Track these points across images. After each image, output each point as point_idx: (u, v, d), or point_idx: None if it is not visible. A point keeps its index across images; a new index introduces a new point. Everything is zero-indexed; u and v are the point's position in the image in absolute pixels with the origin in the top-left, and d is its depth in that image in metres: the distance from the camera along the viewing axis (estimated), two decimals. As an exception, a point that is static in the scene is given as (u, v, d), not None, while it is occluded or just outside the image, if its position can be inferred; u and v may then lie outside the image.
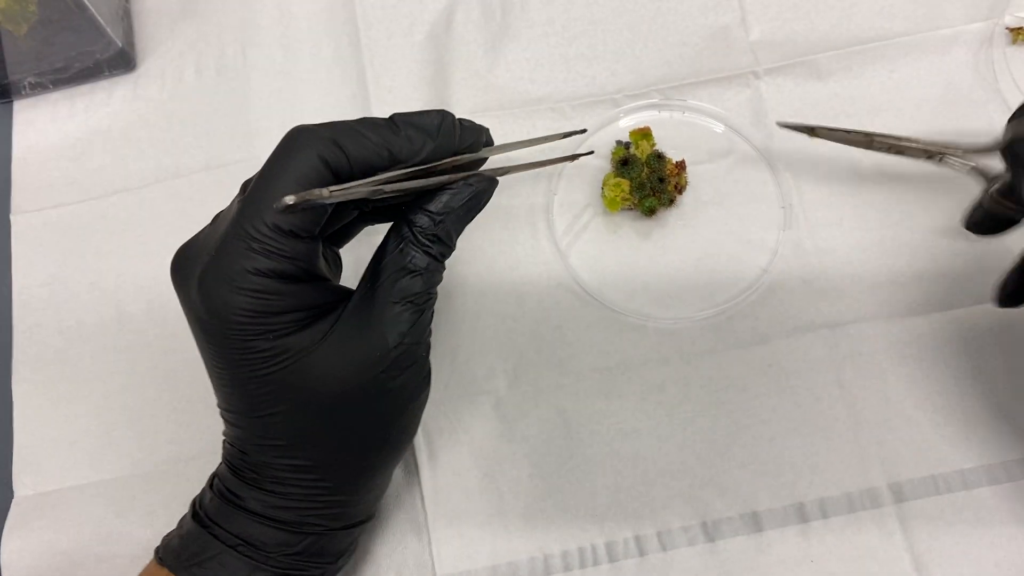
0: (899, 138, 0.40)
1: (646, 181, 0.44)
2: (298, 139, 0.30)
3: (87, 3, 0.45)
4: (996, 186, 0.37)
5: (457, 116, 0.47)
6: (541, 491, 0.41)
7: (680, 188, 0.45)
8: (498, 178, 0.34)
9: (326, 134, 0.30)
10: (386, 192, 0.30)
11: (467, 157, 0.33)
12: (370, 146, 0.30)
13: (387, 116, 0.32)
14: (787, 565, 0.39)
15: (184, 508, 0.41)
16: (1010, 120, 0.36)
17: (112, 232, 0.47)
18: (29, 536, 0.42)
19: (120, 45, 0.49)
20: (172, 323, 0.45)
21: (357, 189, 0.29)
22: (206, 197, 0.47)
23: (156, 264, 0.46)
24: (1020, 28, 0.45)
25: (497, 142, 0.36)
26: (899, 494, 0.40)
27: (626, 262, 0.44)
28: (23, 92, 0.50)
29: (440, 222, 0.32)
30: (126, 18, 0.51)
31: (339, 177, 0.30)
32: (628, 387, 0.42)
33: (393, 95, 0.49)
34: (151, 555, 0.41)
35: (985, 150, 0.39)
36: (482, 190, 0.33)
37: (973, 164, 0.39)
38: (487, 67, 0.49)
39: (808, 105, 0.46)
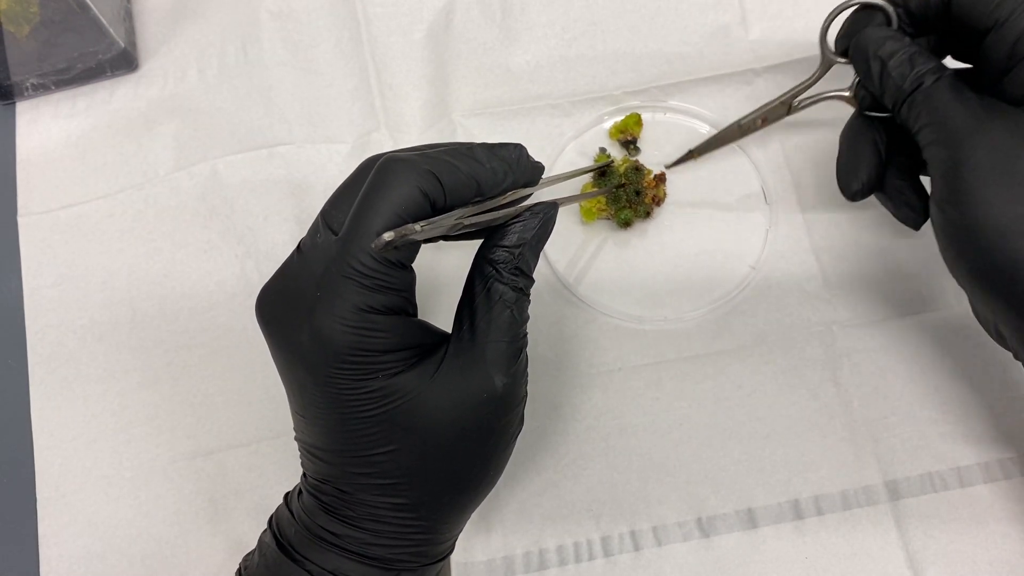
0: (759, 109, 0.44)
1: (622, 193, 0.44)
2: (395, 170, 0.29)
3: (89, 4, 0.45)
4: (857, 86, 0.40)
5: (457, 115, 0.48)
6: (537, 486, 0.41)
7: (658, 200, 0.45)
8: (557, 202, 0.35)
9: (424, 165, 0.29)
10: (464, 225, 0.30)
11: (521, 192, 0.34)
12: (462, 178, 0.30)
13: (467, 143, 0.32)
14: (782, 562, 0.39)
15: (205, 505, 0.43)
16: (840, 35, 0.39)
17: (120, 230, 0.48)
18: (66, 544, 0.43)
19: (123, 45, 0.49)
20: (184, 319, 0.46)
21: (442, 223, 0.29)
22: (209, 193, 0.48)
23: (165, 260, 0.47)
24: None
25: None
26: (895, 491, 0.40)
27: (616, 263, 0.45)
28: (25, 93, 0.50)
29: (519, 254, 0.32)
30: (128, 18, 0.51)
31: (434, 209, 0.30)
32: (624, 384, 0.42)
33: (395, 92, 0.49)
34: (178, 555, 0.42)
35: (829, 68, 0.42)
36: (549, 217, 0.33)
37: (833, 93, 0.42)
38: (487, 67, 0.49)
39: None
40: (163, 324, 0.46)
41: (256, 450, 0.43)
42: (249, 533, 0.41)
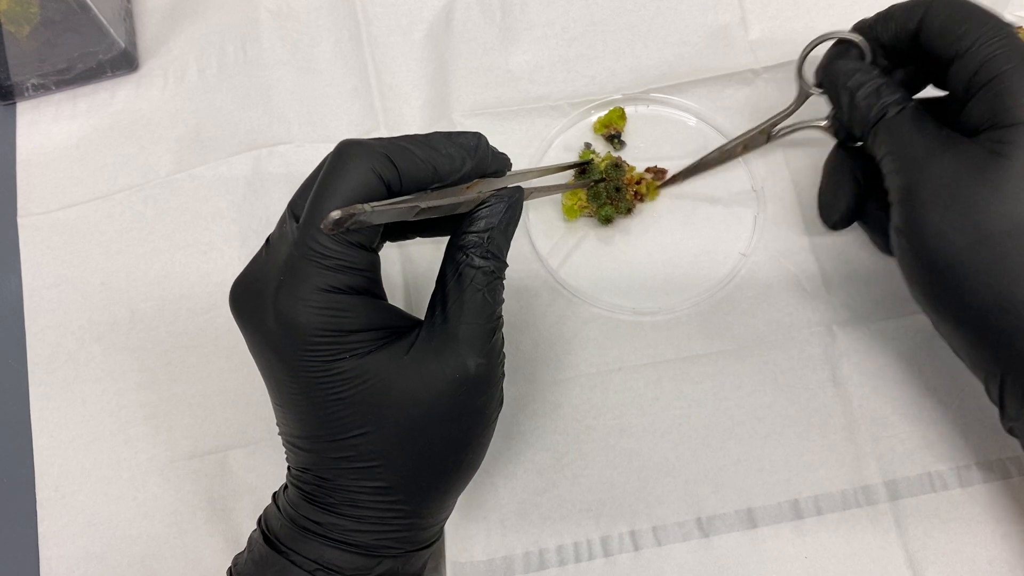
0: (739, 137, 0.44)
1: (602, 191, 0.44)
2: (352, 152, 0.30)
3: (89, 3, 0.45)
4: (832, 118, 0.41)
5: (457, 115, 0.48)
6: (536, 486, 0.41)
7: (641, 197, 0.45)
8: (522, 186, 0.35)
9: (379, 149, 0.30)
10: (422, 209, 0.30)
11: (490, 182, 0.34)
12: (418, 163, 0.31)
13: (426, 133, 0.33)
14: (781, 562, 0.39)
15: (204, 505, 0.43)
16: (819, 67, 0.41)
17: (119, 231, 0.48)
18: (66, 544, 0.43)
19: (123, 45, 0.49)
20: (183, 320, 0.46)
21: (397, 207, 0.30)
22: (210, 193, 0.48)
23: (164, 261, 0.47)
24: (1021, 27, 0.45)
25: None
26: (894, 491, 0.40)
27: (611, 259, 0.45)
28: (26, 94, 0.50)
29: (489, 238, 0.32)
30: (128, 18, 0.51)
31: (391, 192, 0.30)
32: (624, 383, 0.42)
33: (394, 92, 0.49)
34: (177, 555, 0.42)
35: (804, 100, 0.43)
36: (515, 200, 0.34)
37: (814, 124, 0.43)
38: (487, 67, 0.49)
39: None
40: (162, 325, 0.46)
41: (254, 450, 0.43)
42: (247, 533, 0.41)
